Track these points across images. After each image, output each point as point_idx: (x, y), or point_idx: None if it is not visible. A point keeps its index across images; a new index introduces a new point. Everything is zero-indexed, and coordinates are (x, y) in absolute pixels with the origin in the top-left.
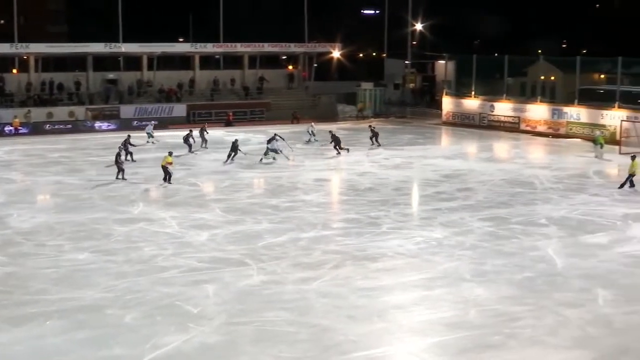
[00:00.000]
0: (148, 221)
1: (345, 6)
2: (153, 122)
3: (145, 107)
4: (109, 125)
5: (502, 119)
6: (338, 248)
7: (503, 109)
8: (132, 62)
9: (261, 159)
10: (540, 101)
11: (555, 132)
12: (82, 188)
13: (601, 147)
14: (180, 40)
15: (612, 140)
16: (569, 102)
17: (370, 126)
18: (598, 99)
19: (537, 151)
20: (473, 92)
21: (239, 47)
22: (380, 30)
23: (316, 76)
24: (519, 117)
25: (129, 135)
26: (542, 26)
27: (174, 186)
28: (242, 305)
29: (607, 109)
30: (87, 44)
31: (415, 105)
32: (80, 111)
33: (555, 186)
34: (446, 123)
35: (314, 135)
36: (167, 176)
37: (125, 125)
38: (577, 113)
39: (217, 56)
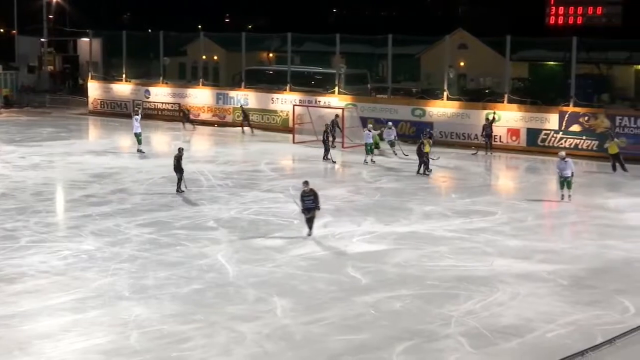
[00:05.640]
0: None
1: None
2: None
3: None
4: None
5: (160, 106)
6: None
7: (160, 94)
8: None
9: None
10: (203, 84)
11: (221, 120)
12: None
13: None
14: None
15: (285, 127)
16: (235, 85)
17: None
18: (268, 81)
19: (201, 142)
20: (124, 75)
21: None
22: (9, 1)
23: None
24: (179, 104)
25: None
26: None
27: None
28: None
29: (277, 92)
30: None
31: (56, 92)
32: None
33: (223, 183)
34: (94, 112)
35: None
36: (423, 165)
37: None
38: (245, 97)
39: None
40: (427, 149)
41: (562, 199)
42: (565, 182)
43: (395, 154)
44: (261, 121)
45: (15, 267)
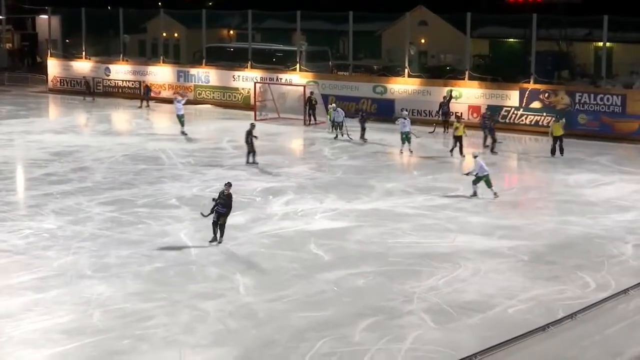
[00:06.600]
0: None
1: None
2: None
3: None
4: None
5: (121, 83)
6: None
7: (121, 72)
8: None
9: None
10: (164, 62)
11: (182, 98)
12: None
13: None
14: None
15: (247, 105)
16: (195, 62)
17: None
18: (228, 59)
19: (162, 120)
20: (84, 53)
21: None
22: None
23: None
24: (140, 81)
25: None
26: None
27: None
28: None
29: (238, 70)
30: None
31: (15, 70)
32: None
33: (185, 160)
34: (53, 90)
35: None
36: (459, 146)
37: None
38: (205, 75)
39: None
40: (459, 132)
41: (496, 196)
42: (483, 180)
43: (343, 135)
44: (222, 99)
45: None
